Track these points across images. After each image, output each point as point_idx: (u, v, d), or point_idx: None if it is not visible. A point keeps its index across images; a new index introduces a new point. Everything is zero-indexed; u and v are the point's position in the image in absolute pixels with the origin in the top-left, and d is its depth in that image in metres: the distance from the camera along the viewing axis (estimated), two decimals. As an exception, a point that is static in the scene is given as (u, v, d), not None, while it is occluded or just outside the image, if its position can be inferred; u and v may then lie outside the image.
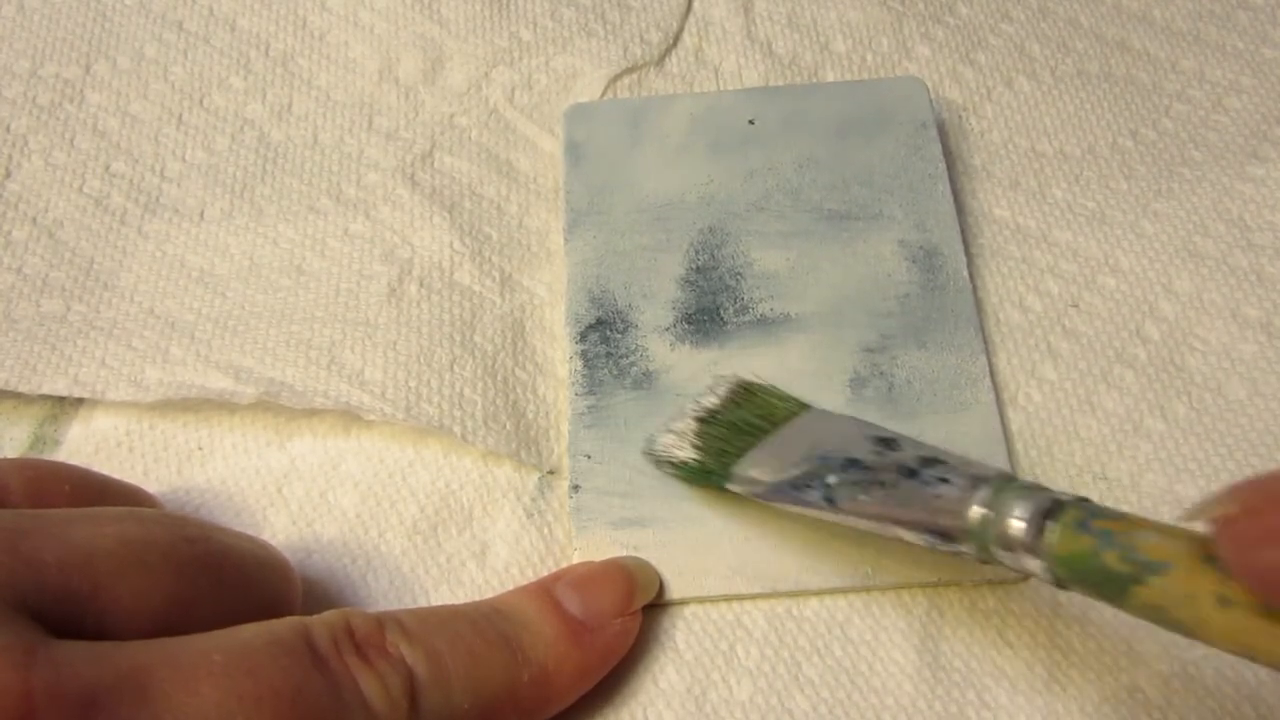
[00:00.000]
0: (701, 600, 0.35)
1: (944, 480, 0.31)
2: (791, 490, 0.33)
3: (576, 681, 0.32)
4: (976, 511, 0.29)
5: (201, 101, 0.47)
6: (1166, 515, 0.35)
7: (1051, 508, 0.28)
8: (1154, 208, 0.42)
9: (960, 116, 0.45)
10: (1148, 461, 0.36)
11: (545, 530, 0.36)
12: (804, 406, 0.36)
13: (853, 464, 0.32)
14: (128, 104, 0.46)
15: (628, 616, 0.33)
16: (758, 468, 0.34)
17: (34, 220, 0.43)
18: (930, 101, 0.43)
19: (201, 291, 0.41)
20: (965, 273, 0.39)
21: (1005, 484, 0.30)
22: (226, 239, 0.43)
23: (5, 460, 0.33)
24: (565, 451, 0.38)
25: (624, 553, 0.35)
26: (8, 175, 0.44)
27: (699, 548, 0.35)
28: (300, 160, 0.45)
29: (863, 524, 0.32)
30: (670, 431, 0.36)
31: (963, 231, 0.40)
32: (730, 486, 0.34)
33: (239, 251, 0.42)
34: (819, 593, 0.35)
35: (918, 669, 0.33)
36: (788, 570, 0.35)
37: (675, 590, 0.35)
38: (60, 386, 0.39)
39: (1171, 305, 0.40)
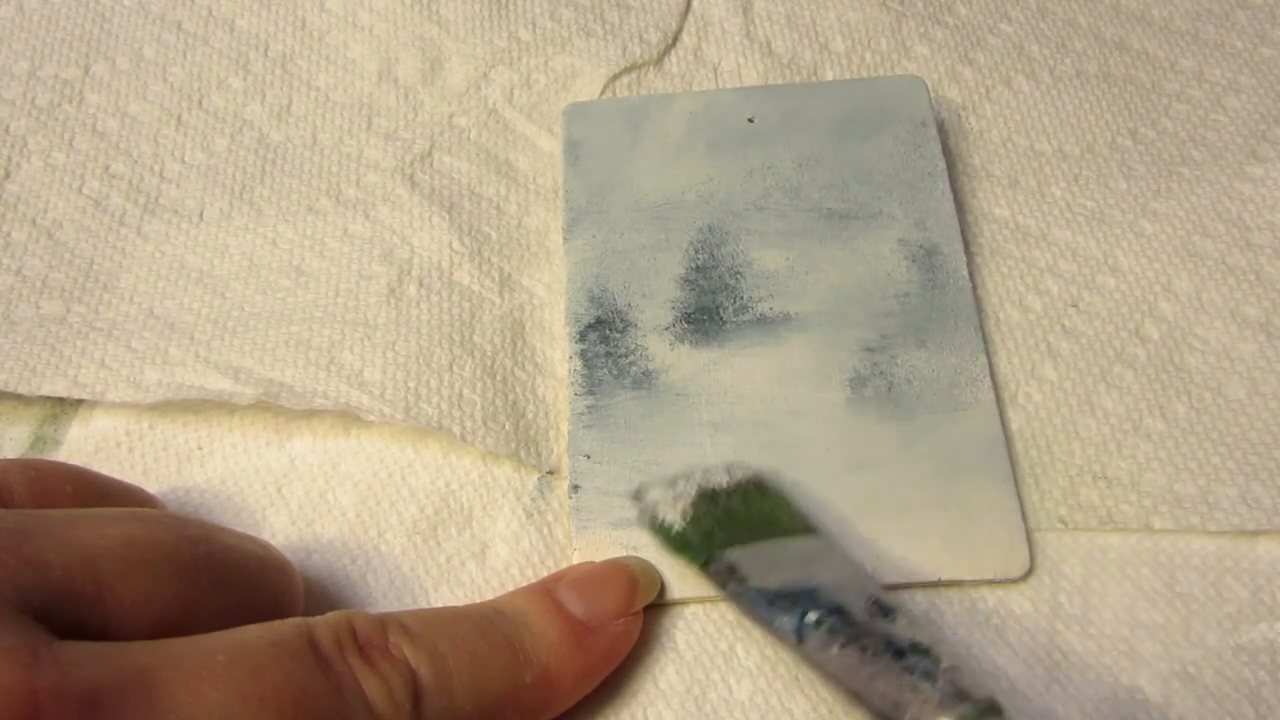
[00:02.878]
0: (702, 600, 0.35)
1: (928, 676, 0.29)
2: (766, 605, 0.31)
3: (579, 682, 0.32)
4: None
5: (200, 102, 0.47)
6: (1167, 515, 0.35)
7: None
8: (1153, 207, 0.42)
9: (959, 116, 0.45)
10: (1147, 461, 0.36)
11: (545, 530, 0.36)
12: (812, 530, 0.34)
13: (840, 612, 0.30)
14: (127, 105, 0.46)
15: (630, 617, 0.33)
16: (742, 564, 0.32)
17: (33, 221, 0.43)
18: (930, 100, 0.43)
19: (201, 292, 0.41)
20: (965, 272, 0.39)
21: (992, 714, 0.28)
22: (226, 239, 0.43)
23: (7, 461, 0.33)
24: (565, 451, 0.38)
25: (624, 553, 0.35)
26: (7, 176, 0.44)
27: (699, 547, 0.35)
28: (299, 161, 0.45)
29: (818, 673, 0.30)
30: (665, 489, 0.34)
31: (962, 231, 0.41)
32: (706, 570, 0.33)
33: (238, 252, 0.42)
34: (819, 592, 0.35)
35: (918, 668, 0.33)
36: (788, 570, 0.35)
37: (676, 590, 0.35)
38: (60, 387, 0.39)
39: (1171, 305, 0.40)
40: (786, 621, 0.31)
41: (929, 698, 0.28)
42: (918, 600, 0.34)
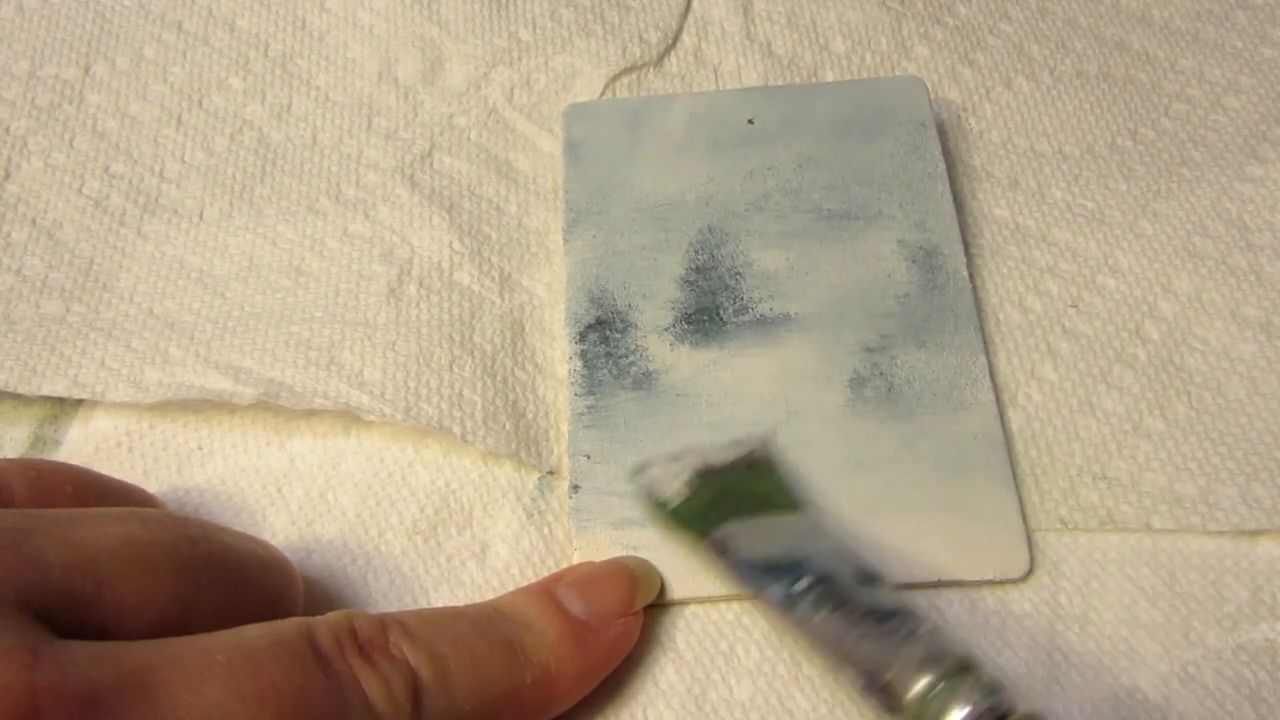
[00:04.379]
0: (701, 600, 0.35)
1: (910, 638, 0.30)
2: (758, 575, 0.32)
3: (579, 682, 0.32)
4: (924, 683, 0.29)
5: (200, 102, 0.47)
6: (1167, 515, 0.35)
7: (1004, 715, 0.28)
8: (1153, 208, 0.42)
9: (959, 116, 0.45)
10: (1148, 461, 0.36)
11: (545, 530, 0.36)
12: (802, 508, 0.35)
13: (827, 580, 0.31)
14: (127, 105, 0.46)
15: (630, 617, 0.33)
16: (736, 539, 0.33)
17: (33, 221, 0.43)
18: (930, 101, 0.43)
19: (201, 292, 0.41)
20: (965, 272, 0.39)
21: (966, 671, 0.29)
22: (226, 239, 0.43)
23: (7, 461, 0.33)
24: (565, 451, 0.38)
25: (624, 553, 0.35)
26: (7, 176, 0.44)
27: (699, 548, 0.35)
28: (299, 161, 0.45)
29: (805, 640, 0.32)
30: (665, 465, 0.35)
31: (962, 231, 0.41)
32: (702, 545, 0.33)
33: (238, 252, 0.42)
34: (819, 592, 0.35)
35: (918, 668, 0.33)
36: (788, 570, 0.35)
37: (675, 590, 0.35)
38: (60, 387, 0.38)
39: (1171, 305, 0.40)
40: (777, 589, 0.32)
41: (911, 657, 0.29)
42: (918, 600, 0.34)
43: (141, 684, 0.25)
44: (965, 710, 0.28)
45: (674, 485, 0.34)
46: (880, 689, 0.29)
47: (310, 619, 0.29)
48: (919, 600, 0.34)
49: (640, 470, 0.35)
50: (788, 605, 0.31)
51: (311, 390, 0.38)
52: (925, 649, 0.29)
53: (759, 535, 0.33)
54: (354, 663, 0.28)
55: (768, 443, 0.36)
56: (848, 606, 0.31)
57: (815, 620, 0.31)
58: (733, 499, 0.34)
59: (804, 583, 0.31)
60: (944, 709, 0.28)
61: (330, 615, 0.29)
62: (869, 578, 0.32)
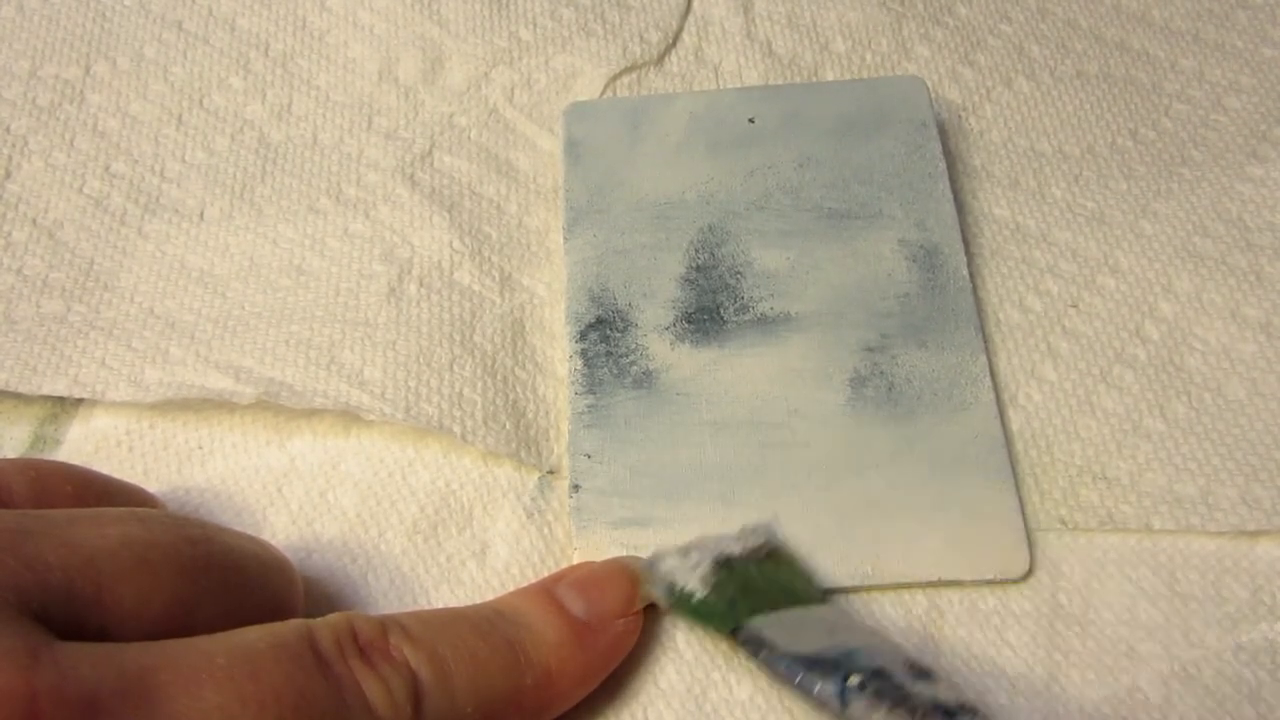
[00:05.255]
0: (702, 600, 0.35)
1: None
2: (804, 669, 0.30)
3: (579, 683, 0.32)
4: None
5: (201, 102, 0.47)
6: (1167, 515, 0.35)
7: None
8: (1153, 208, 0.42)
9: (960, 116, 0.45)
10: (1148, 461, 0.36)
11: (545, 530, 0.36)
12: (828, 597, 0.34)
13: (881, 675, 0.30)
14: (127, 104, 0.46)
15: (630, 617, 0.33)
16: (773, 630, 0.31)
17: (34, 221, 0.43)
18: (930, 100, 0.43)
19: (201, 291, 0.41)
20: (965, 272, 0.39)
21: None
22: (226, 239, 0.43)
23: (7, 461, 0.33)
24: (565, 451, 0.38)
25: (624, 553, 0.35)
26: (8, 176, 0.44)
27: (699, 548, 0.35)
28: (300, 160, 0.45)
29: None
30: (680, 557, 0.34)
31: (962, 231, 0.40)
32: (734, 638, 0.32)
33: (239, 251, 0.42)
34: (819, 592, 0.35)
35: (918, 669, 0.33)
36: (788, 570, 0.35)
37: (676, 591, 0.35)
38: (60, 387, 0.39)
39: (1171, 305, 0.40)
40: (829, 686, 0.30)
41: None
42: (918, 600, 0.34)
43: (141, 686, 0.25)
44: None
45: (693, 577, 0.33)
46: None
47: (310, 621, 0.29)
48: (921, 600, 0.34)
49: (654, 563, 0.34)
50: (842, 703, 0.29)
51: (312, 389, 0.38)
52: None
53: (792, 628, 0.32)
54: (354, 665, 0.28)
55: (775, 530, 0.35)
56: (909, 702, 0.29)
57: (875, 718, 0.29)
58: (756, 590, 0.33)
59: (857, 678, 0.30)
60: None
61: (330, 617, 0.29)
62: (922, 671, 0.30)
